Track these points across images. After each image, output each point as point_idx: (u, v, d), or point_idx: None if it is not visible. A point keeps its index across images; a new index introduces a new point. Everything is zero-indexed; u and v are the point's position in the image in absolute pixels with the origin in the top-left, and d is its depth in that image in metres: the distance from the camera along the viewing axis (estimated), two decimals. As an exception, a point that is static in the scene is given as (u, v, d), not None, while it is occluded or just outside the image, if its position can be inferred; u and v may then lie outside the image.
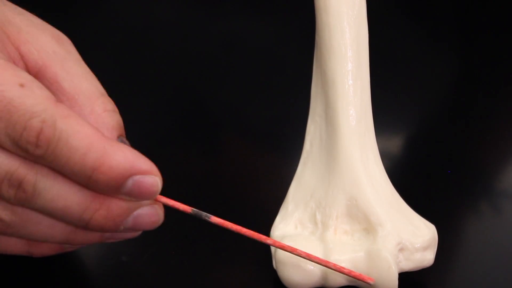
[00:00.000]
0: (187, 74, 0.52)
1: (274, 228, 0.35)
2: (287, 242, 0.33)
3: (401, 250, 0.33)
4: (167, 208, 0.39)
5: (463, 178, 0.43)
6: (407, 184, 0.41)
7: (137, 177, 0.29)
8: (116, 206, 0.30)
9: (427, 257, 0.34)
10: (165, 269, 0.36)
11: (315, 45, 0.35)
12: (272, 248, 0.35)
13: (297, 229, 0.35)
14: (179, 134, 0.47)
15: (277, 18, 0.58)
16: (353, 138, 0.34)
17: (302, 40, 0.39)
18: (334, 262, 0.33)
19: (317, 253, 0.33)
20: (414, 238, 0.33)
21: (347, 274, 0.32)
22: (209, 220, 0.31)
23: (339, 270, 0.32)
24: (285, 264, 0.33)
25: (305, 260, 0.33)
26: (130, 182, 0.29)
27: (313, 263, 0.33)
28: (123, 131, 0.32)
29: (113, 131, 0.31)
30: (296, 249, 0.32)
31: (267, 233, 0.35)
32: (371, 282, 0.32)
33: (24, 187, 0.29)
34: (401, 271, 0.33)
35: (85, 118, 0.31)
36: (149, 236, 0.37)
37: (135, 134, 0.34)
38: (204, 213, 0.31)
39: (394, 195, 0.35)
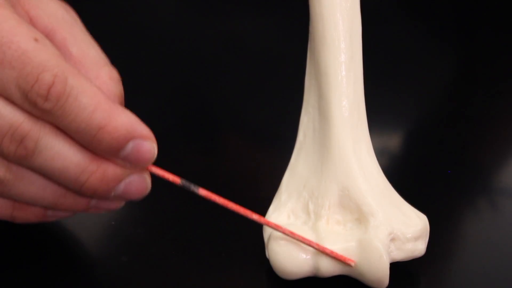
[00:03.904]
0: (185, 72, 0.52)
1: (267, 218, 0.35)
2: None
3: (392, 240, 0.33)
4: (167, 208, 0.39)
5: (462, 175, 0.43)
6: (405, 181, 0.41)
7: (137, 141, 0.29)
8: (112, 170, 0.30)
9: (419, 247, 0.34)
10: (165, 269, 0.36)
11: (309, 36, 0.35)
12: (265, 238, 0.35)
13: (290, 219, 0.35)
14: (178, 131, 0.47)
15: (274, 14, 0.58)
16: (345, 129, 0.34)
17: (300, 37, 0.40)
18: (326, 251, 0.33)
19: (310, 242, 0.33)
20: (405, 228, 0.34)
21: (329, 254, 0.33)
22: (197, 192, 0.32)
23: (322, 250, 0.33)
24: (277, 253, 0.33)
25: (298, 249, 0.33)
26: (130, 145, 0.29)
27: (306, 252, 0.33)
28: (123, 102, 0.32)
29: (116, 99, 0.32)
30: (280, 226, 0.33)
31: (261, 223, 0.35)
32: (352, 264, 0.33)
33: (25, 144, 0.29)
34: (392, 261, 0.33)
35: None
36: (149, 236, 0.38)
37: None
38: (192, 185, 0.32)
39: (386, 186, 0.35)
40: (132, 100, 0.48)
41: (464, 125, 0.48)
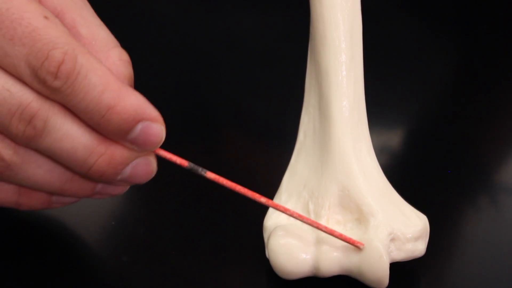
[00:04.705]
0: (185, 71, 0.52)
1: (267, 218, 0.35)
2: (279, 231, 0.34)
3: (392, 240, 0.33)
4: (167, 208, 0.39)
5: (462, 175, 0.43)
6: (405, 181, 0.41)
7: (146, 123, 0.29)
8: (119, 152, 0.30)
9: (419, 248, 0.34)
10: (165, 269, 0.36)
11: (310, 36, 0.35)
12: (265, 238, 0.35)
13: (290, 219, 0.35)
14: (178, 129, 0.47)
15: (275, 14, 0.58)
16: (346, 128, 0.34)
17: (301, 37, 0.40)
18: (326, 251, 0.33)
19: (310, 242, 0.33)
20: (405, 228, 0.33)
21: (338, 237, 0.32)
22: (205, 175, 0.31)
23: (330, 233, 0.33)
24: (277, 253, 0.33)
25: (298, 249, 0.33)
26: (138, 127, 0.29)
27: (306, 252, 0.33)
28: (133, 84, 0.32)
29: (126, 81, 0.31)
30: (289, 209, 0.33)
31: (268, 206, 0.35)
32: (361, 247, 0.33)
33: (34, 123, 0.28)
34: (392, 261, 0.33)
35: None
36: (149, 236, 0.38)
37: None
38: (200, 168, 0.31)
39: (387, 186, 0.35)
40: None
41: (464, 124, 0.48)
